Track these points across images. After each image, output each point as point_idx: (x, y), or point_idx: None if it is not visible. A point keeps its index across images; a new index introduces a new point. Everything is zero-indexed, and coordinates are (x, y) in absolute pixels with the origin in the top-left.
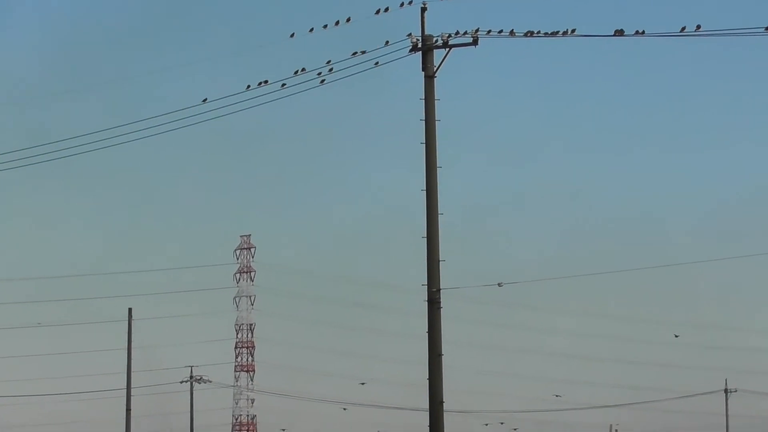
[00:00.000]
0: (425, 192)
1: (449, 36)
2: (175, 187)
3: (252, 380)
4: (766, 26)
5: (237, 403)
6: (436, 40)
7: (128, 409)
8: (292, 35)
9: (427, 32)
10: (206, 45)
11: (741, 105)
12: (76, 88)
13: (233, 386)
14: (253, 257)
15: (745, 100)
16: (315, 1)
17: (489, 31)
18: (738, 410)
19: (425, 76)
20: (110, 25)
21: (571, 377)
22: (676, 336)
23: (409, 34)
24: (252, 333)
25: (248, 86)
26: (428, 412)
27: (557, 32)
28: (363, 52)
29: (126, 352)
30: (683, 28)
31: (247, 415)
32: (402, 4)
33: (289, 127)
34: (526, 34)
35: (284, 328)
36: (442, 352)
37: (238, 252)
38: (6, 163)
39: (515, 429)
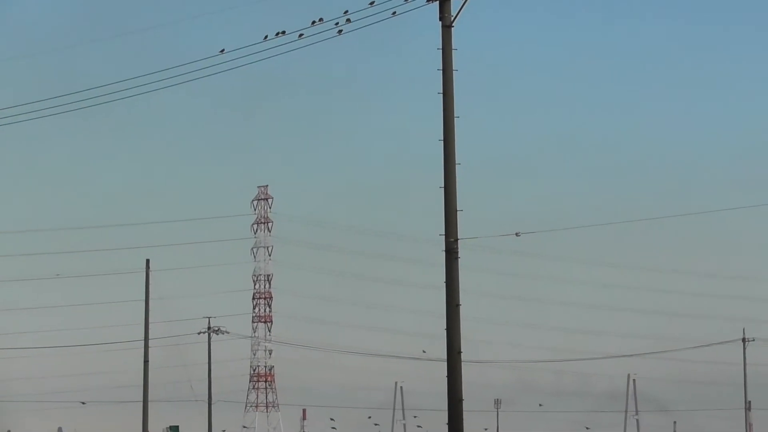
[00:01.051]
0: (443, 142)
1: None
2: (192, 137)
3: (270, 331)
4: None
5: (255, 354)
6: None
7: (146, 360)
8: None
9: None
10: None
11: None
12: (99, 37)
13: (251, 337)
14: (270, 208)
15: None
16: None
17: None
18: (756, 359)
19: (442, 26)
20: None
21: (589, 327)
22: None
23: None
24: (269, 284)
25: (266, 36)
26: (446, 362)
27: None
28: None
29: (144, 303)
30: None
31: (265, 366)
32: None
33: (307, 77)
34: None
35: (301, 278)
36: (460, 302)
37: (255, 203)
38: (29, 113)
39: None
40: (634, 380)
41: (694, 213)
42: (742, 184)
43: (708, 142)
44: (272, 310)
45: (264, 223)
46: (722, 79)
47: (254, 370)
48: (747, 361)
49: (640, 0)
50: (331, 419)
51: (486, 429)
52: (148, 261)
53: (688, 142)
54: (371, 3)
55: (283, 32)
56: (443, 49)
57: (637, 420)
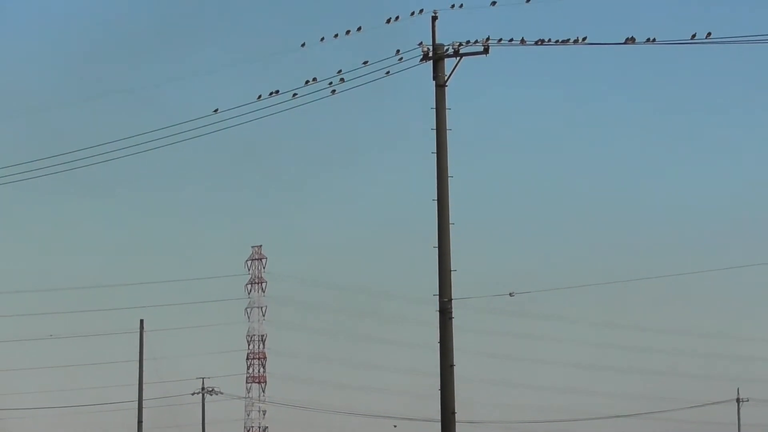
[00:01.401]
0: (436, 201)
1: (460, 45)
2: (186, 197)
3: (264, 391)
4: None
5: (249, 415)
6: (447, 49)
7: (140, 421)
8: (303, 45)
9: (438, 41)
10: (217, 54)
11: (748, 113)
12: (89, 96)
13: (245, 398)
14: (264, 268)
15: (752, 107)
16: (326, 10)
17: (500, 40)
18: (751, 419)
19: (436, 86)
20: (121, 34)
21: (582, 387)
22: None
23: (420, 43)
24: (264, 344)
25: (260, 96)
26: (440, 423)
27: (568, 40)
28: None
29: (138, 363)
30: (694, 35)
31: (259, 427)
32: (413, 13)
33: (301, 137)
34: (537, 43)
35: (296, 339)
36: (454, 363)
37: (249, 263)
38: (17, 174)
39: None
40: None
41: (688, 272)
42: (736, 243)
43: (702, 200)
44: (266, 371)
45: (258, 283)
46: (709, 139)
47: (248, 431)
48: (741, 422)
49: (629, 60)
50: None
51: None
52: (142, 321)
53: (681, 201)
54: (365, 63)
55: (277, 92)
56: (437, 108)
57: None
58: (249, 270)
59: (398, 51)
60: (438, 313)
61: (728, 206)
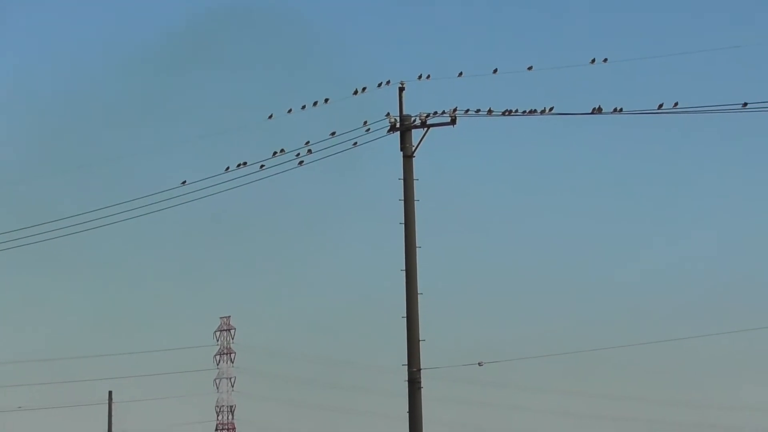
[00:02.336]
0: (405, 272)
1: (427, 116)
2: (154, 269)
3: None
4: (743, 102)
5: None
6: (414, 120)
7: None
8: (270, 117)
9: (405, 112)
10: (184, 127)
11: (721, 181)
12: (54, 170)
13: None
14: (233, 339)
15: (724, 176)
16: (293, 82)
17: (467, 110)
18: None
19: (404, 156)
20: (87, 107)
21: None
22: None
23: (388, 114)
24: (233, 415)
25: (227, 168)
26: None
27: (535, 110)
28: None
29: None
30: (660, 105)
31: None
32: (380, 84)
33: (269, 208)
34: (504, 113)
35: (265, 409)
36: None
37: (218, 333)
38: None
39: None
40: None
41: (660, 341)
42: (705, 311)
43: (669, 269)
44: None
45: (227, 353)
46: (681, 207)
47: None
48: None
49: (601, 127)
50: None
51: None
52: (110, 393)
53: (648, 270)
54: (332, 134)
55: (245, 163)
56: (404, 179)
57: None
58: (218, 341)
59: (366, 122)
60: (407, 383)
61: (697, 275)
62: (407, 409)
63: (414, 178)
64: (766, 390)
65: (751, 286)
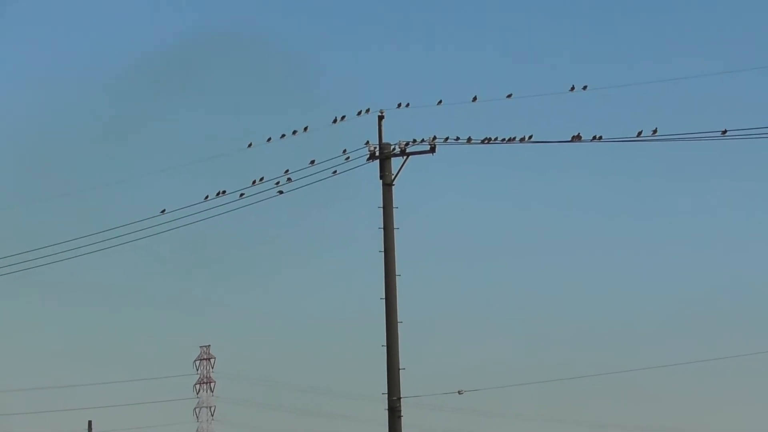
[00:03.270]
0: (384, 300)
1: (407, 144)
2: (133, 297)
3: None
4: (722, 130)
5: None
6: (394, 148)
7: None
8: (250, 145)
9: (384, 140)
10: (164, 155)
11: (700, 206)
12: (31, 199)
13: None
14: (213, 368)
15: (703, 201)
16: (273, 111)
17: (446, 139)
18: None
19: (383, 184)
20: (63, 135)
21: None
22: None
23: (367, 143)
24: None
25: (207, 197)
26: None
27: (514, 138)
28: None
29: None
30: (639, 133)
31: None
32: (360, 113)
33: (248, 236)
34: (483, 141)
35: None
36: None
37: (197, 362)
38: None
39: None
40: None
41: (644, 368)
42: (697, 338)
43: (657, 295)
44: None
45: (206, 383)
46: (666, 233)
47: None
48: None
49: (581, 154)
50: None
51: None
52: (90, 423)
53: (635, 297)
54: (312, 162)
55: (224, 192)
56: (384, 207)
57: None
58: (197, 370)
59: (345, 150)
60: (387, 411)
61: (685, 301)
62: None
63: (394, 206)
64: (762, 417)
65: (745, 312)
